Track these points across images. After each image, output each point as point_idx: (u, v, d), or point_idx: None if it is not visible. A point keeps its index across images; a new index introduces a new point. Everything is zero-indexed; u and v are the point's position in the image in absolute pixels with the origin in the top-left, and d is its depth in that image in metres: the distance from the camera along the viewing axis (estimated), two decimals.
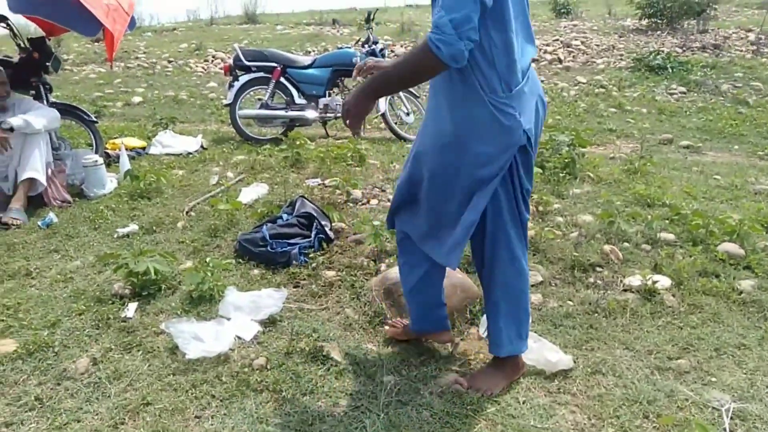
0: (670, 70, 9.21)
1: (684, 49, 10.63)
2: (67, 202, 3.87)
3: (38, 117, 3.74)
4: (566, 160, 4.11)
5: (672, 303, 2.68)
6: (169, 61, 11.08)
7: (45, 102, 4.36)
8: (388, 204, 3.73)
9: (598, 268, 2.99)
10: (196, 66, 10.76)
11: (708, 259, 3.04)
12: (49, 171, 3.86)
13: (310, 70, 5.74)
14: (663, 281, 2.81)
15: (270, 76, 5.65)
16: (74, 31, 4.01)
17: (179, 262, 2.99)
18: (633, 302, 2.68)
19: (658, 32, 11.88)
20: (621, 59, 10.34)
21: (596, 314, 2.61)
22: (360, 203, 3.78)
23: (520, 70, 1.75)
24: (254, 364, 2.17)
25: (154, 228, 3.44)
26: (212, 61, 11.13)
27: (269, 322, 2.46)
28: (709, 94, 8.43)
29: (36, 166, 3.69)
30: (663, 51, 10.08)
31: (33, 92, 4.40)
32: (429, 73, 1.66)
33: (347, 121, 1.81)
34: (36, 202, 3.79)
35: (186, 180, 4.36)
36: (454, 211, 1.88)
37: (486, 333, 2.25)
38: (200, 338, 2.23)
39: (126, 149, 5.14)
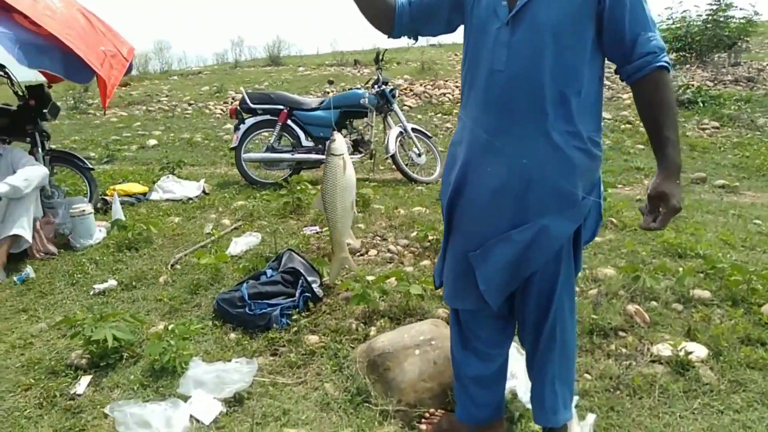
0: (701, 105, 8.77)
1: (715, 82, 10.20)
2: (51, 254, 3.68)
3: (25, 179, 3.55)
4: None
5: (710, 379, 2.27)
6: (190, 104, 11.17)
7: (40, 150, 4.24)
8: (388, 254, 3.44)
9: (620, 333, 2.60)
10: (215, 108, 10.80)
11: (751, 323, 2.61)
12: (37, 223, 3.68)
13: (317, 112, 5.56)
14: (698, 351, 2.40)
15: (276, 118, 5.49)
16: (68, 79, 3.89)
17: (150, 324, 2.73)
18: (662, 377, 2.28)
19: (687, 66, 11.47)
20: None
21: (618, 392, 2.22)
22: (358, 254, 3.49)
23: None
24: None
25: (133, 283, 3.20)
26: (231, 102, 11.19)
27: (235, 401, 2.15)
28: (745, 128, 7.96)
29: (22, 224, 3.51)
30: (693, 85, 9.65)
31: (29, 140, 4.30)
32: None
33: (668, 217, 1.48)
34: (19, 254, 3.61)
35: (180, 228, 4.14)
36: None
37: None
38: (148, 424, 1.93)
39: (128, 195, 5.02)
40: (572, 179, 1.52)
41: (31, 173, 3.57)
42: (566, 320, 1.73)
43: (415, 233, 3.68)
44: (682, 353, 2.34)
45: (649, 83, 1.47)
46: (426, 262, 3.31)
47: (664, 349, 2.43)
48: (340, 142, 1.94)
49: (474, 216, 1.64)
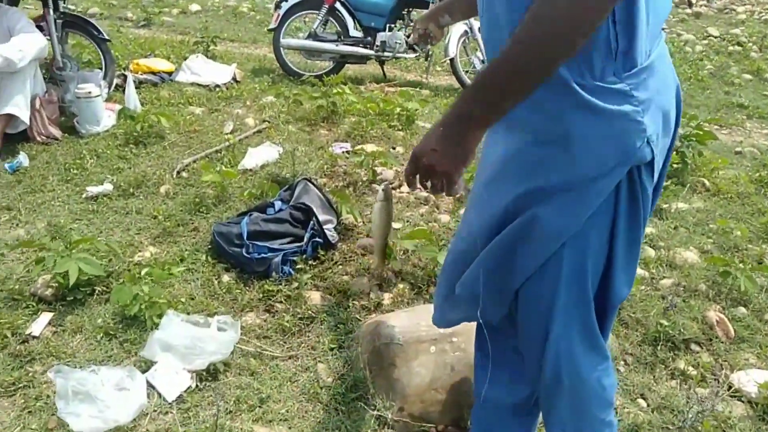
0: None
1: None
2: (53, 137, 3.31)
3: (20, 50, 3.05)
4: (675, 164, 3.01)
5: None
6: None
7: (52, 12, 3.71)
8: (424, 193, 2.91)
9: (694, 347, 2.08)
10: None
11: None
12: (37, 101, 3.27)
13: None
14: None
15: None
16: None
17: (137, 248, 2.37)
18: (740, 422, 1.79)
19: None
20: None
21: None
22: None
23: (648, 34, 0.98)
24: None
25: (131, 190, 2.82)
26: None
27: (208, 374, 1.80)
28: None
29: (17, 101, 3.10)
30: None
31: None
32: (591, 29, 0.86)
33: (432, 184, 1.03)
34: (18, 136, 3.25)
35: (199, 122, 3.67)
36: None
37: None
38: (95, 398, 1.60)
39: (152, 73, 4.53)
40: None
41: (27, 43, 3.10)
42: (578, 361, 1.19)
43: None
44: None
45: None
46: None
47: (747, 383, 1.91)
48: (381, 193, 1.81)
49: (475, 200, 1.24)
